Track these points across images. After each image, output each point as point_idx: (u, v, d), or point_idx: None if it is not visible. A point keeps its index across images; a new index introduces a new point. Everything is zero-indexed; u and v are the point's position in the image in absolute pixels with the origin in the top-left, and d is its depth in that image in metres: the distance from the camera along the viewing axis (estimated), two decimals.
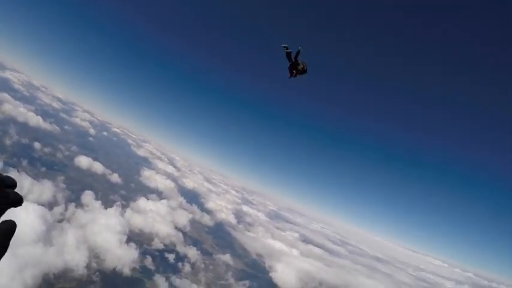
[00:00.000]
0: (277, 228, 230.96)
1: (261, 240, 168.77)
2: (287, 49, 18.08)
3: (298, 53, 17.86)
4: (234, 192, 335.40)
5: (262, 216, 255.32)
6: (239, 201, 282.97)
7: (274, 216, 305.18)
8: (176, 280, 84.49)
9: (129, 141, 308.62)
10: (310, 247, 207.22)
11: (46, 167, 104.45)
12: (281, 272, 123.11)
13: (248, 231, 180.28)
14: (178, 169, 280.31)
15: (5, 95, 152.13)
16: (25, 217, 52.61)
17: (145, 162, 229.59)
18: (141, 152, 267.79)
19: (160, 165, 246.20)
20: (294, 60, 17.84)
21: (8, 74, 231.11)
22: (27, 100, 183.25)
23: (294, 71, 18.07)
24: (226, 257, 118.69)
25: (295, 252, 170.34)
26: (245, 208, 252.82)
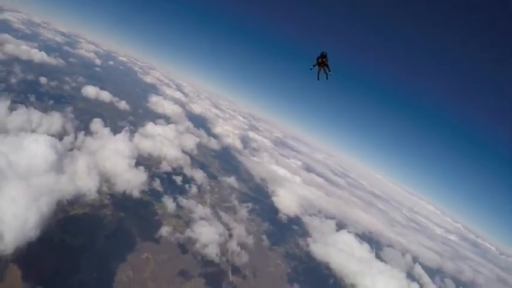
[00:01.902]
0: (282, 155, 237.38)
1: (265, 165, 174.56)
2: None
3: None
4: (240, 118, 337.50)
5: (267, 143, 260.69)
6: (246, 127, 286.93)
7: (280, 143, 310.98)
8: (183, 201, 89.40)
9: (136, 68, 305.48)
10: (312, 176, 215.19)
11: (54, 100, 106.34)
12: (282, 197, 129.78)
13: (253, 156, 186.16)
14: (185, 95, 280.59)
15: (6, 36, 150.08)
16: (36, 148, 55.89)
17: (153, 88, 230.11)
18: (148, 79, 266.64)
19: (168, 91, 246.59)
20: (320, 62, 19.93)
21: (6, 15, 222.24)
22: (29, 38, 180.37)
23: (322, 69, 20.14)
24: (231, 180, 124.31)
25: (297, 179, 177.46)
26: (251, 134, 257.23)
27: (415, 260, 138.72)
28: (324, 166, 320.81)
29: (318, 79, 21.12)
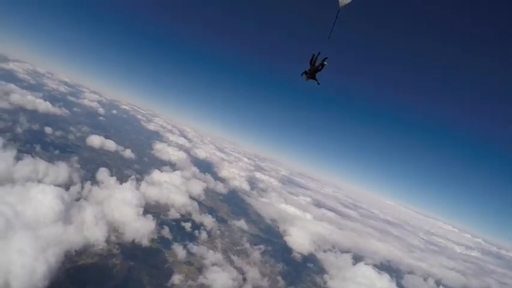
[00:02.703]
0: (290, 193, 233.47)
1: (274, 205, 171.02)
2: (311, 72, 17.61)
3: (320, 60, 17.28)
4: (246, 159, 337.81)
5: (274, 182, 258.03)
6: (252, 168, 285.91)
7: (287, 181, 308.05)
8: (193, 247, 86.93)
9: (139, 116, 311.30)
10: (323, 211, 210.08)
11: (59, 150, 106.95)
12: (295, 236, 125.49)
13: (261, 197, 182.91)
14: (189, 140, 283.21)
15: (12, 86, 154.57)
16: (43, 198, 54.99)
17: (157, 136, 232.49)
18: (151, 127, 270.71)
19: (172, 137, 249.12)
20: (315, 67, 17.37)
21: (12, 66, 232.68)
22: (34, 88, 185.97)
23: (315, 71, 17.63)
24: (241, 223, 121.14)
25: (308, 216, 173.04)
26: (258, 175, 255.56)
27: (438, 283, 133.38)
28: (333, 200, 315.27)
29: (318, 83, 18.59)
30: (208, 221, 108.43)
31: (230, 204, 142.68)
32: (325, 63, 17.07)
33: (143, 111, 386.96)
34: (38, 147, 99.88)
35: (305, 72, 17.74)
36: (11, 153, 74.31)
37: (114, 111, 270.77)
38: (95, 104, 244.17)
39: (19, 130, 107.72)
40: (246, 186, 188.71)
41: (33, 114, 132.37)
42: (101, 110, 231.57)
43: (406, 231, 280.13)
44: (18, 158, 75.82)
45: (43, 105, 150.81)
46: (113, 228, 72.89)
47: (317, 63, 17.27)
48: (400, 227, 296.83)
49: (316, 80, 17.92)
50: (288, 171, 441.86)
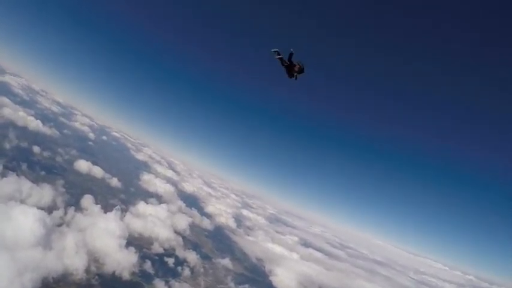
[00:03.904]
0: (277, 232, 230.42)
1: (260, 244, 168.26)
2: (278, 54, 18.05)
3: (291, 55, 17.53)
4: (233, 196, 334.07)
5: (261, 220, 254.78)
6: (239, 205, 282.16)
7: (274, 220, 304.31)
8: (175, 284, 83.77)
9: (129, 145, 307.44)
10: (310, 250, 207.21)
11: (45, 170, 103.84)
12: (281, 276, 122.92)
13: (248, 235, 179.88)
14: (177, 173, 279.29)
15: (5, 99, 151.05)
16: (24, 220, 52.55)
17: (145, 166, 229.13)
18: (140, 156, 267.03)
19: (160, 169, 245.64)
20: (288, 62, 17.69)
21: (7, 78, 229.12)
22: (27, 104, 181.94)
23: (294, 73, 17.92)
24: (226, 261, 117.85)
25: (295, 255, 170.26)
26: (245, 212, 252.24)
27: None
28: (321, 239, 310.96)
29: (295, 78, 18.49)
30: (192, 257, 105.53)
31: (215, 241, 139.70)
32: (302, 66, 17.51)
33: (133, 140, 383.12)
34: (24, 166, 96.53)
35: (290, 74, 18.09)
36: None
37: (104, 137, 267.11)
38: (85, 128, 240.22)
39: (7, 146, 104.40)
40: (232, 223, 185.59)
41: (23, 131, 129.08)
42: (91, 135, 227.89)
43: (396, 271, 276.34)
44: (2, 175, 73.66)
45: (34, 123, 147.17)
46: (94, 258, 70.01)
47: (287, 59, 17.64)
48: (390, 266, 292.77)
49: (299, 72, 17.87)
50: (275, 209, 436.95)
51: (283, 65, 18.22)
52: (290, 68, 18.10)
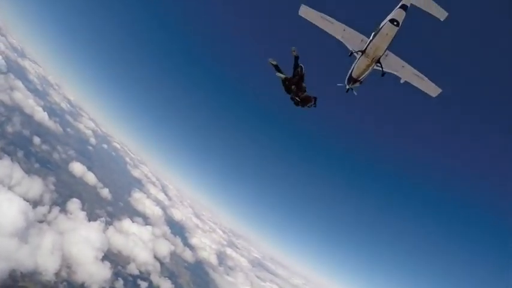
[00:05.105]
0: (258, 277, 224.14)
1: (239, 286, 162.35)
2: (277, 67, 14.60)
3: (296, 60, 14.06)
4: (220, 232, 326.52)
5: (244, 262, 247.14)
6: (224, 242, 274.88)
7: (257, 264, 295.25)
8: None
9: (127, 159, 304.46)
10: None
11: (40, 163, 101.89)
12: None
13: (227, 274, 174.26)
14: (169, 198, 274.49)
15: (19, 83, 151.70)
16: (8, 208, 50.67)
17: (138, 184, 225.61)
18: (136, 173, 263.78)
19: (153, 190, 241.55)
20: (293, 77, 14.18)
21: (26, 64, 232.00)
22: (39, 94, 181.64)
23: (309, 104, 14.80)
24: None
25: None
26: (229, 251, 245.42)
27: None
28: None
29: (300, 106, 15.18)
30: (166, 285, 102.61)
31: (193, 274, 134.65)
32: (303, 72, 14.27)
33: (132, 155, 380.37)
34: (20, 154, 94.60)
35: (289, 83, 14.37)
36: None
37: (105, 146, 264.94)
38: (89, 132, 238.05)
39: (9, 129, 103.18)
40: (214, 259, 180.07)
41: (28, 119, 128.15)
42: (93, 140, 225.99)
43: None
44: None
45: (40, 114, 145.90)
46: (67, 264, 67.63)
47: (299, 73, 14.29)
48: None
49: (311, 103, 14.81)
50: (260, 253, 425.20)
51: (286, 84, 14.56)
52: (298, 87, 14.45)
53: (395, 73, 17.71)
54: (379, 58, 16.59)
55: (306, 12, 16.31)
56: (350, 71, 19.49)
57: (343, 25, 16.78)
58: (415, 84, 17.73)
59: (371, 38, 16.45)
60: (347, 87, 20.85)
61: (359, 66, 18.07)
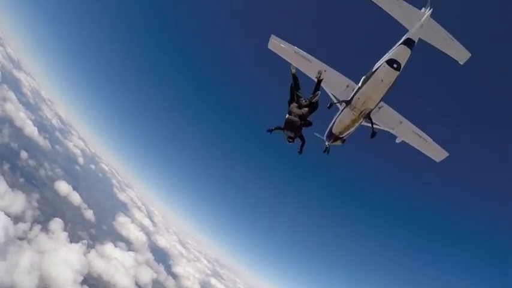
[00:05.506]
0: None
1: None
2: (296, 85, 12.25)
3: (319, 84, 11.81)
4: (205, 261, 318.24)
5: None
6: (209, 272, 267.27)
7: None
8: None
9: (114, 181, 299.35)
10: None
11: (25, 178, 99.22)
12: None
13: None
14: (154, 224, 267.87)
15: (12, 95, 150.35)
16: None
17: (124, 207, 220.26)
18: (122, 196, 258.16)
19: (138, 215, 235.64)
20: (309, 102, 11.77)
21: (21, 76, 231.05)
22: (30, 108, 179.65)
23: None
24: None
25: None
26: (213, 281, 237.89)
27: None
28: None
29: (301, 151, 13.02)
30: None
31: None
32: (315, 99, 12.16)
33: (119, 178, 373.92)
34: (6, 166, 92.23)
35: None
36: None
37: (92, 166, 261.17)
38: (77, 151, 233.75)
39: None
40: None
41: (17, 132, 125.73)
42: (81, 160, 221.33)
43: None
44: None
45: (30, 129, 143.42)
46: (44, 285, 64.45)
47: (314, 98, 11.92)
48: None
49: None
50: (246, 284, 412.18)
51: (303, 109, 11.75)
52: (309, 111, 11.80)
53: (390, 131, 14.73)
54: (370, 112, 13.24)
55: (276, 45, 13.72)
56: (331, 124, 16.11)
57: (323, 64, 13.82)
58: (415, 146, 14.83)
59: (360, 84, 13.31)
60: (326, 144, 17.06)
61: (342, 121, 14.80)
